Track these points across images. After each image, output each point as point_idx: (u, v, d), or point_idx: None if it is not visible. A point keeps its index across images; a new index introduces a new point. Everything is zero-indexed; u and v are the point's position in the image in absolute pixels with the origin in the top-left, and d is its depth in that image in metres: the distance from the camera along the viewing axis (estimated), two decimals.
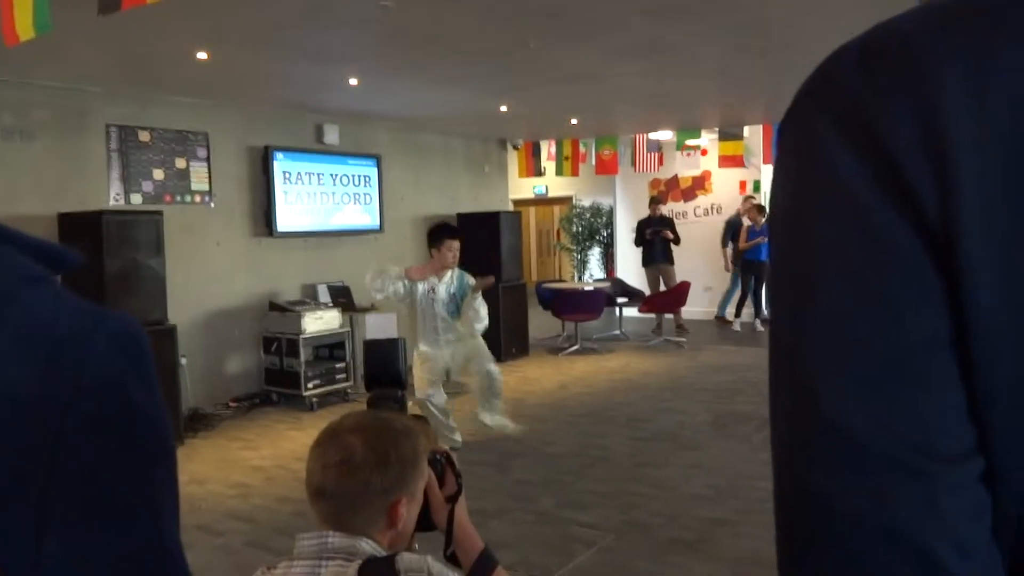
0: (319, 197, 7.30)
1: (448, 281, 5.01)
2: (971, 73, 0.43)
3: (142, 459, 0.47)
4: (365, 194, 7.77)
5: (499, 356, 8.16)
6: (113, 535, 0.45)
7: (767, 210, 9.31)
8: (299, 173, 7.09)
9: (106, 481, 0.45)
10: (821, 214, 0.46)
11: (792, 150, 0.49)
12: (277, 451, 5.26)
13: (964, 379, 0.44)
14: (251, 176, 6.81)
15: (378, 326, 6.40)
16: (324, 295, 7.08)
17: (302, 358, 6.36)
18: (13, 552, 0.43)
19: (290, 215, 7.01)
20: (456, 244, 4.96)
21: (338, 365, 6.66)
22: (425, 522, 1.24)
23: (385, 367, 6.20)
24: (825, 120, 0.46)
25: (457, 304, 5.04)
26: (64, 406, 0.44)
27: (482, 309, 5.00)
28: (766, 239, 9.41)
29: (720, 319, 10.21)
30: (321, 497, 1.17)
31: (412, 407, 5.49)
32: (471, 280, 5.05)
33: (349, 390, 6.70)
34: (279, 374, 6.51)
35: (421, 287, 5.00)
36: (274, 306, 6.62)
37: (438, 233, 5.01)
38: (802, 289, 0.47)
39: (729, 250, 9.95)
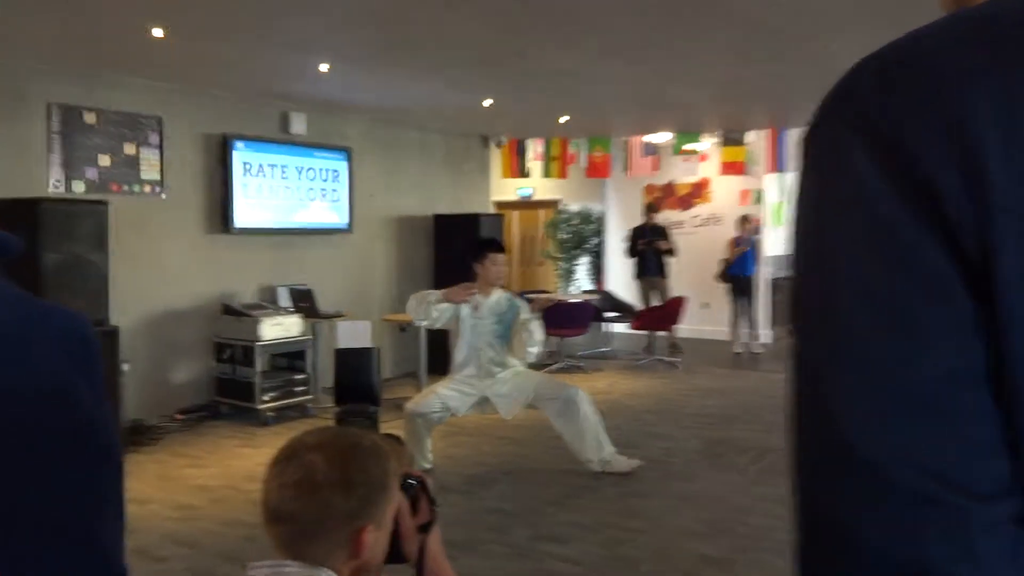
0: (282, 192, 7.28)
1: (495, 302, 4.92)
2: (999, 89, 0.44)
3: (84, 469, 0.45)
4: (333, 190, 7.75)
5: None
6: (47, 549, 0.44)
7: (748, 220, 9.62)
8: (261, 165, 7.06)
9: (42, 491, 0.44)
10: (847, 233, 0.47)
11: (815, 167, 0.50)
12: (226, 470, 5.22)
13: (1000, 412, 0.44)
14: (207, 166, 6.76)
15: (351, 334, 6.38)
16: (284, 299, 7.05)
17: (257, 367, 6.32)
18: None
19: (249, 210, 6.97)
20: (501, 258, 4.88)
21: (297, 377, 6.63)
22: (394, 553, 1.23)
23: (357, 380, 6.21)
24: (849, 137, 0.47)
25: (506, 328, 4.93)
26: None
27: (538, 332, 4.86)
28: (748, 249, 9.52)
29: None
30: (277, 520, 1.16)
31: (388, 426, 5.46)
32: (520, 302, 4.94)
33: (309, 404, 6.67)
34: (231, 384, 6.47)
35: (465, 309, 4.92)
36: (228, 309, 6.58)
37: (481, 247, 4.96)
38: (826, 311, 0.48)
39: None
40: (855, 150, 0.47)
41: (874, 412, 0.45)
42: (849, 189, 0.47)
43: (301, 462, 1.16)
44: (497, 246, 4.98)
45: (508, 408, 4.93)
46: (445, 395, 4.90)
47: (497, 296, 4.94)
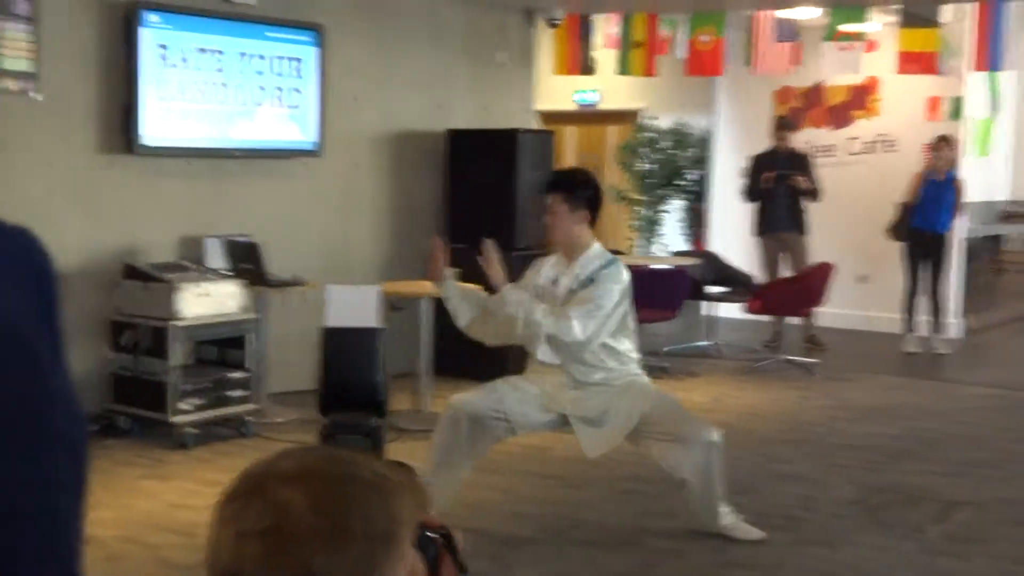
0: (217, 92, 7.30)
1: (579, 270, 4.94)
2: None
3: (31, 455, 0.48)
4: (294, 91, 7.77)
5: (506, 372, 8.19)
6: None
7: (946, 143, 9.48)
8: (185, 50, 7.09)
9: None
10: None
11: None
12: (124, 513, 5.26)
13: None
14: (104, 51, 6.80)
15: (347, 306, 6.39)
16: (216, 256, 7.10)
17: (172, 360, 6.38)
18: None
19: (166, 120, 7.01)
20: (549, 201, 4.96)
21: (233, 375, 6.70)
22: None
23: (353, 375, 6.25)
24: None
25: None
26: None
27: (566, 323, 4.75)
28: (952, 196, 9.40)
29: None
30: None
31: (397, 450, 5.50)
32: (613, 270, 4.89)
33: (249, 418, 6.74)
34: (134, 385, 6.52)
35: (541, 279, 5.03)
36: (131, 271, 6.64)
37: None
38: None
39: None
40: None
41: None
42: None
43: (270, 500, 1.16)
44: (548, 183, 5.05)
45: (593, 441, 4.93)
46: (508, 398, 4.89)
47: (584, 261, 4.94)
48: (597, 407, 4.89)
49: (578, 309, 4.73)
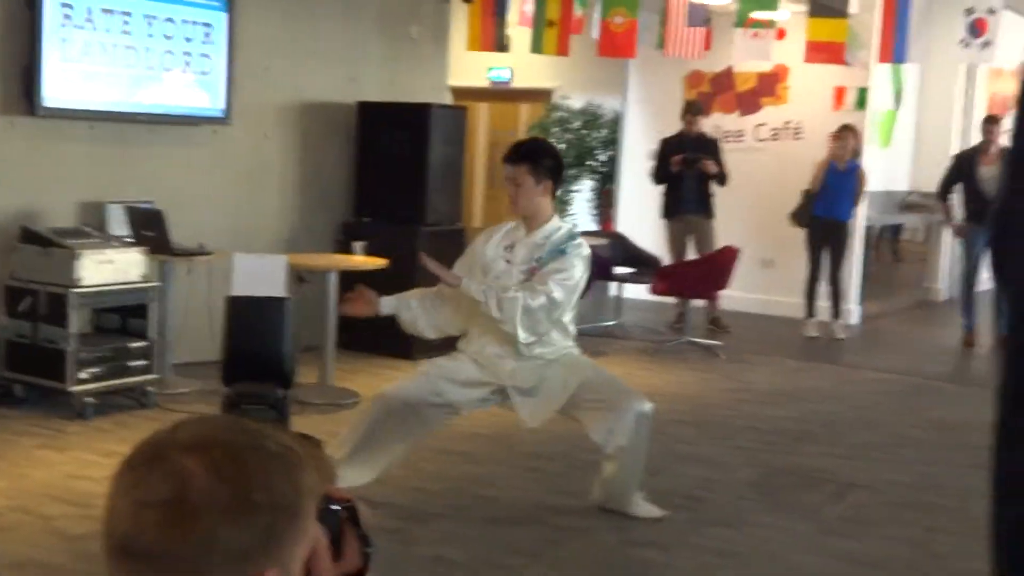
0: (121, 54, 7.19)
1: (537, 243, 4.91)
2: None
3: None
4: (202, 56, 7.67)
5: (410, 348, 8.19)
6: None
7: (850, 132, 9.68)
8: (89, 10, 6.96)
9: None
10: None
11: None
12: (19, 483, 5.21)
13: None
14: (5, 8, 6.66)
15: (253, 275, 6.34)
16: (118, 223, 7.04)
17: (72, 328, 6.31)
18: None
19: (68, 82, 6.90)
20: (508, 172, 4.91)
21: (134, 345, 6.63)
22: None
23: (259, 347, 6.21)
24: None
25: None
26: None
27: (544, 288, 4.74)
28: (853, 184, 9.60)
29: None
30: (127, 556, 1.15)
31: (302, 422, 5.46)
32: (574, 248, 4.88)
33: (151, 388, 6.69)
34: (31, 353, 6.45)
35: (491, 250, 4.96)
36: (29, 235, 6.55)
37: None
38: None
39: (955, 204, 10.06)
40: None
41: None
42: None
43: (170, 469, 1.15)
44: (512, 154, 4.98)
45: (534, 411, 4.97)
46: (443, 381, 4.90)
47: (547, 231, 4.93)
48: (533, 378, 4.92)
49: (554, 277, 4.78)
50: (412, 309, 4.97)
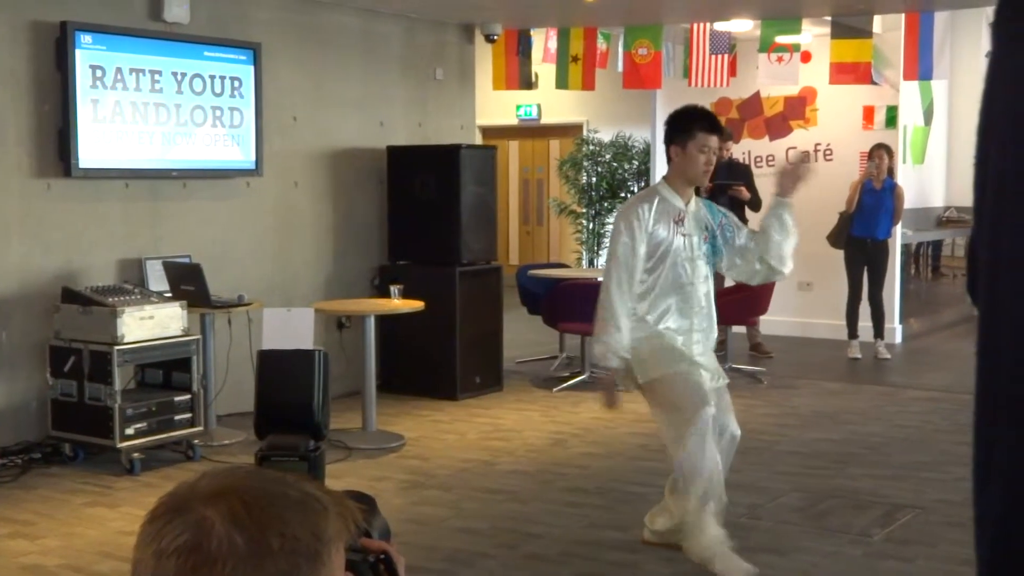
0: (153, 113, 7.26)
1: (697, 212, 4.75)
2: None
3: None
4: (233, 110, 7.74)
5: (454, 389, 8.20)
6: None
7: (884, 152, 9.61)
8: (120, 70, 7.04)
9: None
10: None
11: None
12: (72, 542, 5.22)
13: None
14: (36, 73, 6.74)
15: (281, 329, 6.37)
16: (157, 279, 7.08)
17: (117, 385, 6.34)
18: None
19: (102, 142, 6.96)
20: (715, 142, 4.69)
21: (179, 399, 6.66)
22: None
23: (289, 398, 6.21)
24: None
25: (719, 251, 4.77)
26: None
27: (790, 240, 4.65)
28: (891, 203, 9.55)
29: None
30: None
31: (339, 476, 5.48)
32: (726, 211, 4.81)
33: (197, 441, 6.71)
34: (77, 411, 6.47)
35: (660, 230, 4.63)
36: (71, 295, 6.58)
37: (685, 121, 4.75)
38: None
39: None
40: None
41: None
42: None
43: (190, 520, 1.16)
44: (709, 122, 4.75)
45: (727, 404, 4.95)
46: (692, 380, 4.64)
47: (695, 199, 4.82)
48: (713, 363, 4.88)
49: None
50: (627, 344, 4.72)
